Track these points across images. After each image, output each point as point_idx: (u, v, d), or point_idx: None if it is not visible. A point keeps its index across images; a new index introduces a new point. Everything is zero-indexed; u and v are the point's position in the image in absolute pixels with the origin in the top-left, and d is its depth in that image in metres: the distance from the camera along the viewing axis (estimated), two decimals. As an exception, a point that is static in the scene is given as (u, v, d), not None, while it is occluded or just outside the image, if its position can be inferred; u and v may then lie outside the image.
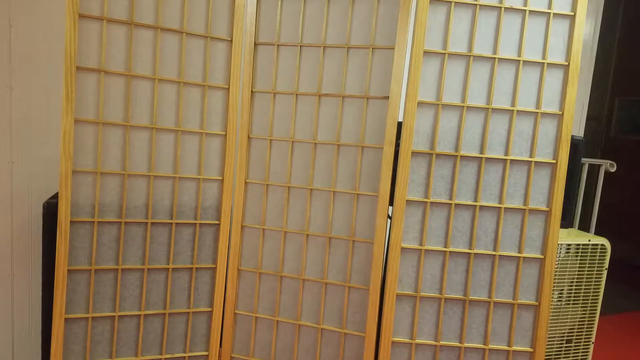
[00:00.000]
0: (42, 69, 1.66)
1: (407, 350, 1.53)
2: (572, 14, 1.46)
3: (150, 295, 1.52)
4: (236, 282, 1.60)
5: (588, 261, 1.88)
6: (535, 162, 1.49)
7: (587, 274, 1.89)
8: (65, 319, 1.42)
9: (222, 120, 1.55)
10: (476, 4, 1.45)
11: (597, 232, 2.15)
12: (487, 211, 1.50)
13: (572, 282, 1.88)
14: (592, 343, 1.96)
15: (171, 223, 1.51)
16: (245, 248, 1.60)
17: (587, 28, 2.67)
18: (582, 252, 1.87)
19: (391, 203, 1.54)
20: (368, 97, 1.48)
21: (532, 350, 1.53)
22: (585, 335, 1.94)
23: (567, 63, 1.47)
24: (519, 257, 1.50)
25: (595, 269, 1.89)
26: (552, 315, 1.87)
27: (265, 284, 1.60)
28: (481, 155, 1.47)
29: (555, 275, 1.82)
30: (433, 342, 1.52)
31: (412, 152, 1.47)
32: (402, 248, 1.49)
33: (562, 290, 1.89)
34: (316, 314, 1.57)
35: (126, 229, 1.47)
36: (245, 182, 1.58)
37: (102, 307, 1.47)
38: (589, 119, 2.75)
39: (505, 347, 1.53)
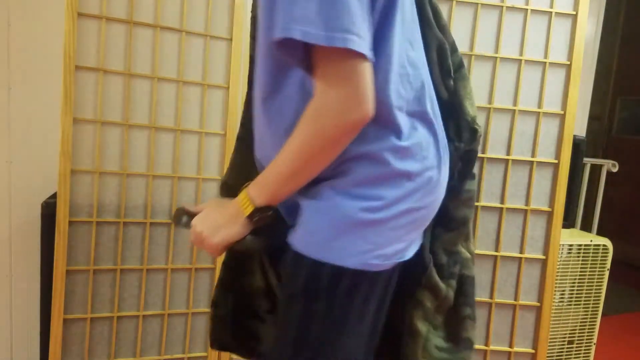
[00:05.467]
0: (41, 68, 1.66)
1: (407, 352, 1.52)
2: (574, 13, 1.45)
3: (149, 295, 1.51)
4: (236, 283, 1.59)
5: (590, 262, 1.87)
6: (537, 162, 1.48)
7: (589, 275, 1.88)
8: (63, 319, 1.41)
9: (222, 119, 1.54)
10: (478, 3, 1.44)
11: (599, 233, 2.14)
12: (488, 211, 1.49)
13: (574, 282, 1.87)
14: (594, 344, 1.95)
15: (170, 223, 1.51)
16: (245, 248, 1.59)
17: (589, 27, 2.65)
18: (584, 253, 1.86)
19: (392, 203, 1.53)
20: (368, 97, 1.47)
21: (533, 351, 1.52)
22: (587, 336, 1.93)
23: (568, 62, 1.46)
24: (521, 257, 1.49)
25: (597, 269, 1.88)
26: (554, 316, 1.86)
27: (265, 285, 1.59)
28: (483, 155, 1.46)
29: (557, 275, 1.81)
30: (434, 343, 1.51)
31: (413, 152, 1.46)
32: (402, 248, 1.48)
33: (563, 290, 1.88)
34: (316, 315, 1.56)
35: (125, 229, 1.46)
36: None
37: (100, 308, 1.46)
38: (590, 118, 2.73)
39: (507, 349, 1.52)
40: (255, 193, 0.79)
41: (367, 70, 0.69)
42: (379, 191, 0.77)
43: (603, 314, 1.94)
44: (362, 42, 0.68)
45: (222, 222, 0.81)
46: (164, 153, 1.48)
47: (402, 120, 0.80)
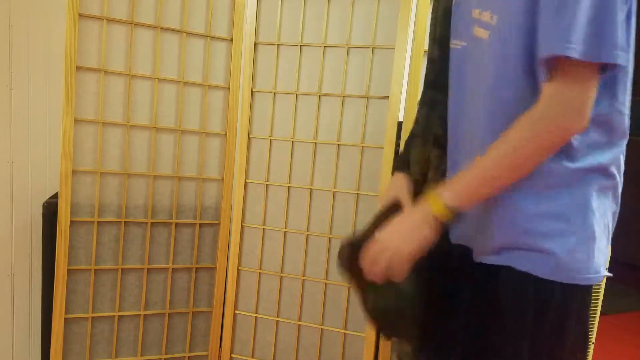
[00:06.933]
0: (42, 69, 1.66)
1: (407, 351, 1.53)
2: (573, 13, 1.45)
3: (150, 295, 1.52)
4: (236, 282, 1.60)
5: (588, 261, 1.88)
6: (536, 162, 1.48)
7: (588, 274, 1.88)
8: (65, 318, 1.42)
9: (222, 120, 1.55)
10: (476, 4, 1.44)
11: (598, 232, 2.14)
12: (487, 211, 1.49)
13: (572, 282, 1.88)
14: (592, 343, 1.95)
15: (171, 223, 1.51)
16: (245, 248, 1.60)
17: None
18: (582, 252, 1.87)
19: (391, 203, 1.54)
20: (368, 97, 1.48)
21: (532, 350, 1.53)
22: (586, 335, 1.93)
23: (567, 63, 1.47)
24: (519, 257, 1.50)
25: (596, 269, 1.89)
26: (553, 316, 1.86)
27: (265, 284, 1.60)
28: (481, 155, 1.47)
29: (555, 275, 1.81)
30: (433, 342, 1.52)
31: (413, 152, 1.47)
32: (402, 248, 1.49)
33: (562, 290, 1.88)
34: (316, 314, 1.57)
35: (126, 228, 1.47)
36: (245, 182, 1.57)
37: (102, 307, 1.47)
38: (589, 119, 2.74)
39: (506, 348, 1.53)
40: (452, 198, 0.78)
41: (596, 82, 0.72)
42: (606, 201, 0.80)
43: (602, 313, 1.95)
44: (624, 54, 0.71)
45: (409, 231, 0.80)
46: (164, 153, 1.49)
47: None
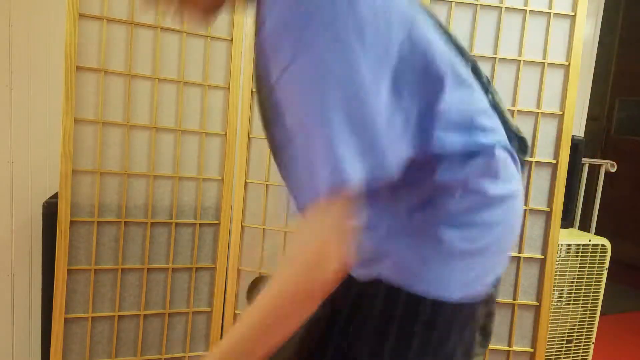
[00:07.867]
0: (42, 69, 1.66)
1: (407, 351, 1.52)
2: (573, 14, 1.46)
3: (150, 295, 1.52)
4: (236, 282, 1.60)
5: (588, 261, 1.88)
6: (536, 162, 1.49)
7: (588, 274, 1.89)
8: (65, 318, 1.42)
9: (222, 120, 1.55)
10: (477, 4, 1.45)
11: (598, 232, 2.15)
12: (487, 211, 1.49)
13: (572, 282, 1.88)
14: (593, 343, 1.96)
15: (171, 223, 1.51)
16: (245, 248, 1.60)
17: (587, 28, 2.66)
18: (582, 252, 1.87)
19: (391, 203, 1.54)
20: (368, 97, 1.48)
21: (532, 350, 1.53)
22: (586, 335, 1.94)
23: (567, 63, 1.47)
24: (520, 257, 1.50)
25: (596, 269, 1.89)
26: (553, 316, 1.86)
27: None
28: (481, 155, 1.47)
29: (555, 275, 1.82)
30: (433, 342, 1.52)
31: (413, 152, 1.47)
32: (402, 248, 1.49)
33: (562, 290, 1.89)
34: (316, 314, 1.57)
35: (126, 228, 1.47)
36: (245, 182, 1.57)
37: (102, 307, 1.47)
38: (589, 119, 2.74)
39: (506, 348, 1.53)
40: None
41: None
42: (476, 217, 0.73)
43: (601, 313, 1.95)
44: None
45: None
46: (164, 153, 1.49)
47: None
